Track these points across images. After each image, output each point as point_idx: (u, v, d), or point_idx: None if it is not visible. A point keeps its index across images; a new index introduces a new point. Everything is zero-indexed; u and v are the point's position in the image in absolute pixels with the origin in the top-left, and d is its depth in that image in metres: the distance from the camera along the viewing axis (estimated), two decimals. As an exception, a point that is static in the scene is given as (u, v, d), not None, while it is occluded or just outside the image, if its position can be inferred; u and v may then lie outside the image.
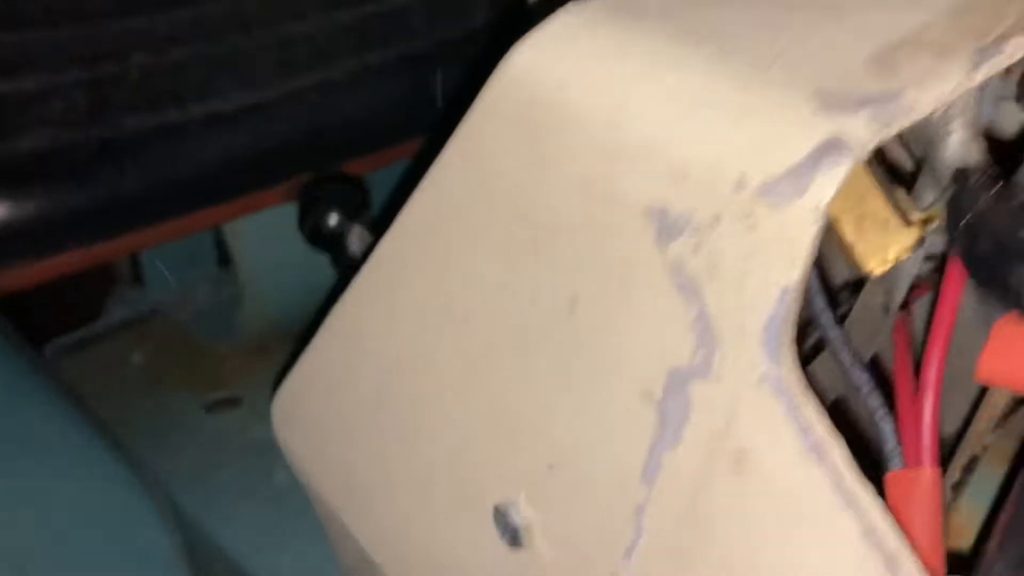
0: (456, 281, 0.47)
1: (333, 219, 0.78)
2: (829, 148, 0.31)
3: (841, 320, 0.48)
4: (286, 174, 1.20)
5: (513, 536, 0.49)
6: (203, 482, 1.10)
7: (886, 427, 0.41)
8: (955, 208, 0.34)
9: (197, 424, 1.21)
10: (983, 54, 0.33)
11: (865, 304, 0.52)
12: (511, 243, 0.43)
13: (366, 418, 0.61)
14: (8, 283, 1.13)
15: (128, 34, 1.07)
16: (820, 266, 0.51)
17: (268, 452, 1.14)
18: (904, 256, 0.42)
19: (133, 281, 1.55)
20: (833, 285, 0.54)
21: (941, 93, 0.32)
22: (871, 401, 0.42)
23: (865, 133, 0.31)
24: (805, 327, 0.44)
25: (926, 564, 0.38)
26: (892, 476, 0.40)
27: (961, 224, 0.33)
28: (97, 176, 1.15)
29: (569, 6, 0.39)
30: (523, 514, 0.49)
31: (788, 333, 0.33)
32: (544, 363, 0.44)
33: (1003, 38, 0.33)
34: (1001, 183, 0.34)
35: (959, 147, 0.35)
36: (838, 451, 0.33)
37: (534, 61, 0.38)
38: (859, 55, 0.34)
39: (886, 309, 0.52)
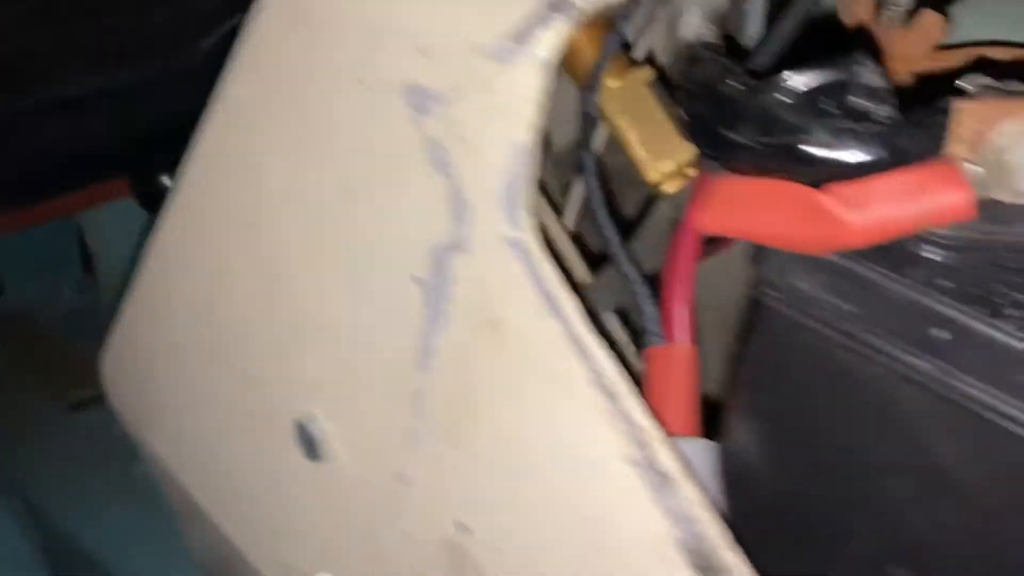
0: (252, 194, 0.48)
1: (165, 180, 0.77)
2: (552, 8, 0.33)
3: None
4: (139, 161, 1.19)
5: (311, 448, 0.50)
6: (66, 482, 1.08)
7: (649, 309, 0.44)
8: (684, 79, 0.36)
9: (60, 424, 1.19)
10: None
11: (656, 219, 0.55)
12: (297, 144, 0.44)
13: (181, 358, 0.61)
14: None
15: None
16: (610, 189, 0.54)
17: (134, 448, 1.13)
18: (685, 168, 0.45)
19: (-8, 286, 1.51)
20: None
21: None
22: (638, 288, 0.45)
23: (584, -6, 0.33)
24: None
25: (682, 425, 0.41)
26: (652, 351, 0.43)
27: (685, 89, 0.35)
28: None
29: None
30: (321, 425, 0.50)
31: (526, 194, 0.35)
32: (330, 263, 0.45)
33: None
34: (724, 59, 0.37)
35: (692, 27, 0.38)
36: (570, 305, 0.35)
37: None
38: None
39: (673, 223, 0.55)
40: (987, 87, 0.32)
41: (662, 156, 0.46)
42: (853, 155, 0.31)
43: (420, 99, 0.37)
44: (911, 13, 0.47)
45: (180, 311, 0.59)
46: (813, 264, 0.33)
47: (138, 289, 0.64)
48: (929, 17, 0.47)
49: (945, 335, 0.31)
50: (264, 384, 0.53)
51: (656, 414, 0.42)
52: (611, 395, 0.34)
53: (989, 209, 0.32)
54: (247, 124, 0.47)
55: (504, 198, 0.35)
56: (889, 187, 0.31)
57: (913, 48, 0.47)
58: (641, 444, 0.34)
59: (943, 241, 0.33)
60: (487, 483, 0.42)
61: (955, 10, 0.53)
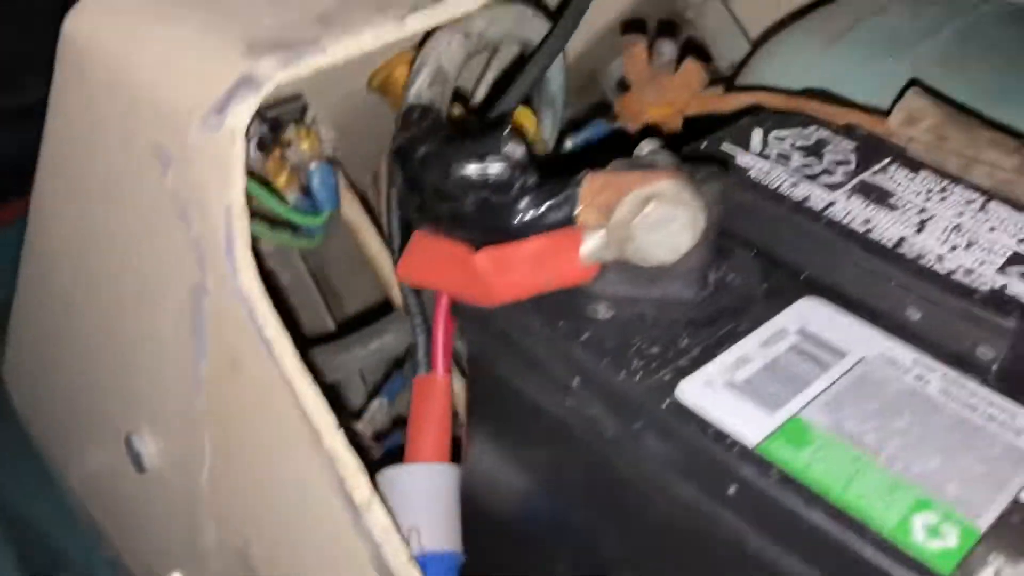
0: (69, 226, 0.52)
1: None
2: (242, 84, 0.37)
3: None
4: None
5: (137, 462, 0.54)
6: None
7: (420, 340, 0.48)
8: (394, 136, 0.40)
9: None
10: (414, 7, 0.40)
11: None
12: (96, 189, 0.48)
13: (54, 369, 0.66)
14: None
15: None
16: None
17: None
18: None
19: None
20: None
21: (360, 40, 0.38)
22: (414, 321, 0.49)
23: (269, 71, 0.37)
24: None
25: (433, 450, 0.44)
26: (416, 380, 0.46)
27: (392, 151, 0.39)
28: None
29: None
30: (146, 440, 0.54)
31: (243, 246, 0.39)
32: (131, 294, 0.49)
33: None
34: (438, 125, 0.40)
35: (419, 88, 0.42)
36: (284, 347, 0.38)
37: (79, 23, 0.44)
38: (313, 12, 0.40)
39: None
40: (623, 162, 0.35)
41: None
42: (497, 222, 0.34)
43: (164, 157, 0.41)
44: (677, 62, 0.51)
45: (45, 326, 0.64)
46: (490, 314, 0.37)
47: (17, 304, 0.68)
48: (689, 65, 0.50)
49: (577, 382, 0.34)
50: (106, 398, 0.58)
51: (412, 439, 0.46)
52: (317, 431, 0.38)
53: (637, 270, 0.35)
54: (59, 166, 0.51)
55: (226, 250, 0.39)
56: (523, 252, 0.34)
57: (679, 93, 0.50)
58: (341, 478, 0.38)
59: (601, 297, 0.36)
60: (253, 501, 0.46)
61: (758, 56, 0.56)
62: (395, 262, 0.50)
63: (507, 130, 0.35)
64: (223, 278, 0.40)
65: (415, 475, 0.44)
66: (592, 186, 0.34)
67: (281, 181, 0.51)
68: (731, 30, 0.74)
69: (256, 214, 0.49)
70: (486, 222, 0.35)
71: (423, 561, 0.41)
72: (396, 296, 0.59)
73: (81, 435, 0.65)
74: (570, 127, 0.63)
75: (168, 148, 0.40)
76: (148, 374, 0.51)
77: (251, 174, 0.48)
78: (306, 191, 0.53)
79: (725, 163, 0.40)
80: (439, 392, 0.46)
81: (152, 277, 0.46)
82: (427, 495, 0.44)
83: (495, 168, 0.34)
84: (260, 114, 0.43)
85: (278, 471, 0.42)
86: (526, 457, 0.40)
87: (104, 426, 0.59)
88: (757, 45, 0.61)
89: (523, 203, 0.34)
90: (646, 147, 0.37)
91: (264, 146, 0.50)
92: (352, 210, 0.58)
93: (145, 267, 0.46)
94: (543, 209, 0.34)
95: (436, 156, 0.35)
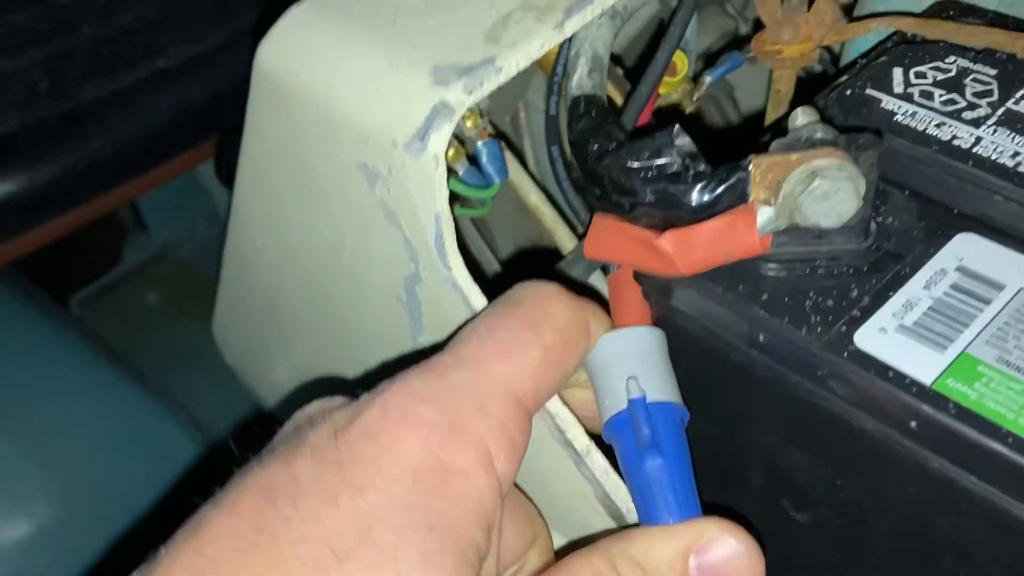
0: (282, 227, 0.60)
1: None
2: (437, 113, 0.42)
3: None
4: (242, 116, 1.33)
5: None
6: (218, 397, 1.26)
7: None
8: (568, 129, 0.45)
9: (211, 347, 1.38)
10: (570, 11, 0.44)
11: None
12: (301, 194, 0.55)
13: (266, 338, 0.75)
14: (12, 252, 1.30)
15: (76, 7, 1.20)
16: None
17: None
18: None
19: (138, 228, 1.72)
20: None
21: (528, 53, 0.43)
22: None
23: (460, 97, 0.42)
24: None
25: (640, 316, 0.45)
26: (612, 276, 0.46)
27: (569, 139, 0.44)
28: (64, 146, 1.29)
29: (293, 8, 0.50)
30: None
31: (451, 246, 0.45)
32: (342, 285, 0.56)
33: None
34: (604, 114, 0.45)
35: (580, 79, 0.46)
36: (498, 326, 0.45)
37: (272, 55, 0.50)
38: (480, 30, 0.44)
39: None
40: (783, 143, 0.39)
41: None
42: (675, 209, 0.39)
43: (369, 174, 0.47)
44: (810, 1, 0.53)
45: (254, 309, 0.72)
46: (675, 283, 0.42)
47: (224, 280, 0.77)
48: (821, 5, 0.52)
49: (762, 339, 0.40)
50: (327, 370, 0.66)
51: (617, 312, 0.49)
52: (534, 394, 0.45)
53: (804, 230, 0.40)
54: (259, 174, 0.58)
55: (435, 248, 0.45)
56: (704, 233, 0.39)
57: (814, 29, 0.53)
58: (561, 429, 0.44)
59: (773, 259, 0.41)
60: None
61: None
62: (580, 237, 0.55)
63: (676, 126, 0.39)
64: (435, 270, 0.46)
65: (628, 338, 0.42)
66: (759, 168, 0.38)
67: (450, 155, 0.57)
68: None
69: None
70: (665, 209, 0.40)
71: (649, 409, 0.40)
72: (559, 242, 0.65)
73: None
74: (704, 63, 0.66)
75: (373, 167, 0.46)
76: (367, 349, 0.59)
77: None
78: (472, 160, 0.59)
79: (878, 128, 0.43)
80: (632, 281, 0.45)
81: (366, 269, 0.53)
82: (641, 355, 0.42)
83: (670, 163, 0.39)
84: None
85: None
86: (707, 400, 0.46)
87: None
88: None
89: (698, 189, 0.39)
90: (801, 118, 0.41)
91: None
92: (513, 170, 0.63)
93: (358, 260, 0.53)
94: (718, 192, 0.39)
95: (613, 155, 0.40)
